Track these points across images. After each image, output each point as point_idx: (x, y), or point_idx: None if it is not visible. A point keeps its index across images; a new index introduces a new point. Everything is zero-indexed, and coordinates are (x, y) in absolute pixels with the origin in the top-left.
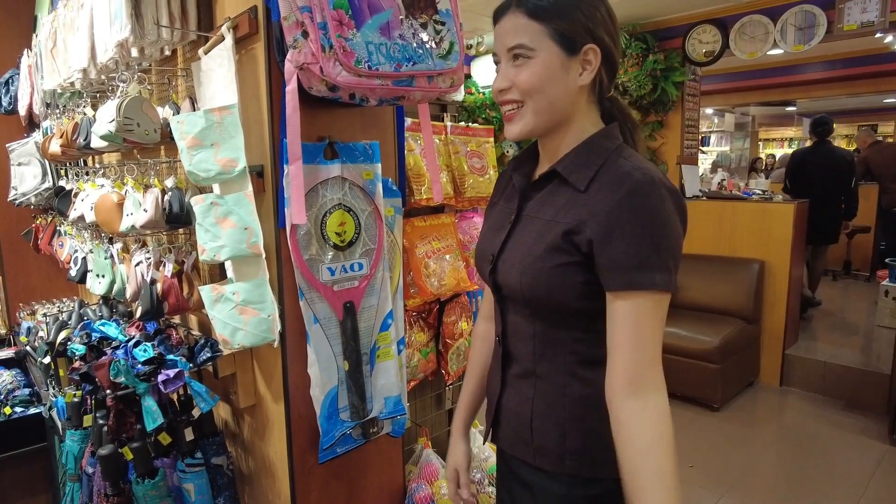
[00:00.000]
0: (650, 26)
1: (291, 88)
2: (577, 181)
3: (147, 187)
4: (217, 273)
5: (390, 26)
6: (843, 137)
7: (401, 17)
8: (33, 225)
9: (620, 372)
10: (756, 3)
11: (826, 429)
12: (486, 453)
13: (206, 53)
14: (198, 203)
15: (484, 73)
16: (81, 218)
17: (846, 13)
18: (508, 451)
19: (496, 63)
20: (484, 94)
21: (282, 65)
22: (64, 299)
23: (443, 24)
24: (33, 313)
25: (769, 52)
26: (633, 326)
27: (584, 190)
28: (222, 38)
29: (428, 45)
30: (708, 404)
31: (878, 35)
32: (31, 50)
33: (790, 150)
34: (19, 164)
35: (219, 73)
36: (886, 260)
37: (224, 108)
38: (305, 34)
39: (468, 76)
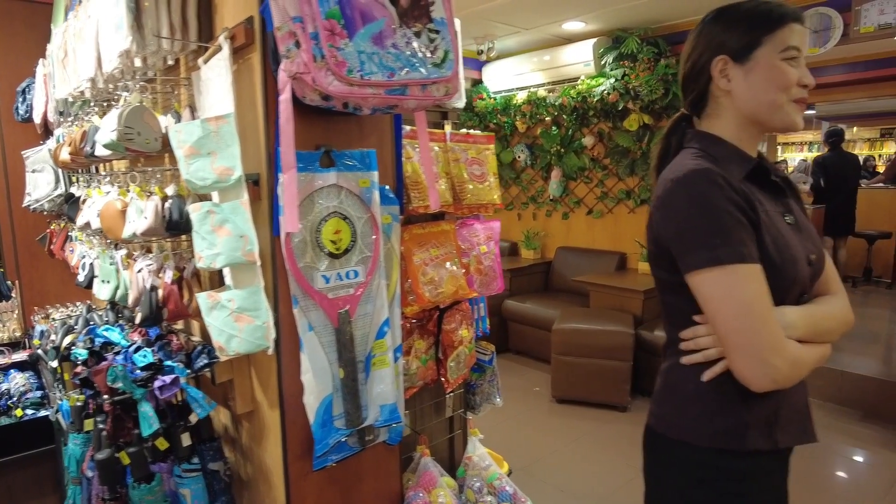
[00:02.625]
0: (662, 31)
1: (285, 98)
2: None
3: (149, 195)
4: (217, 280)
5: (383, 35)
6: (864, 141)
7: (394, 26)
8: (48, 230)
9: None
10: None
11: (843, 440)
12: (487, 461)
13: (205, 63)
14: (195, 211)
15: (495, 78)
16: (88, 224)
17: (863, 15)
18: (814, 440)
19: (794, 56)
20: (495, 99)
21: (276, 74)
22: (77, 304)
23: (437, 32)
24: (47, 317)
25: None
26: None
27: None
28: (220, 48)
29: (421, 54)
30: None
31: None
32: (45, 59)
33: (809, 155)
34: (34, 171)
35: (217, 82)
36: None
37: (220, 117)
38: (298, 44)
39: (479, 81)
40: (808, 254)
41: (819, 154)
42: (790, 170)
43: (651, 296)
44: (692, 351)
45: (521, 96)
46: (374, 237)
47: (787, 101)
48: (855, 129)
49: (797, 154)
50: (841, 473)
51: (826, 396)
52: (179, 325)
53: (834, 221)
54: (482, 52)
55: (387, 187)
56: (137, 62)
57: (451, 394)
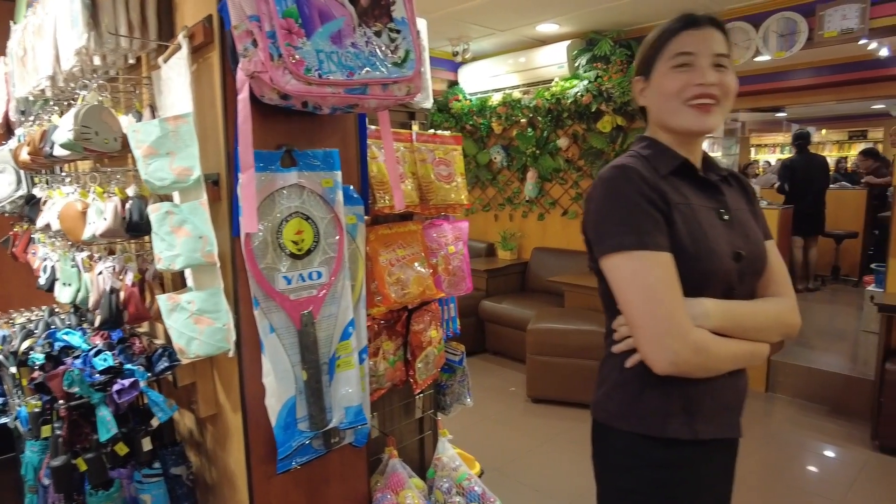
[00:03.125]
0: (634, 33)
1: (243, 97)
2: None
3: (110, 196)
4: (180, 282)
5: (342, 34)
6: (833, 143)
7: (353, 25)
8: (11, 233)
9: None
10: (738, 10)
11: (810, 435)
12: (457, 462)
13: (165, 62)
14: (154, 212)
15: (471, 79)
16: (48, 226)
17: (826, 20)
18: (738, 435)
19: (684, 62)
20: (471, 100)
21: (235, 73)
22: (42, 308)
23: (398, 32)
24: (10, 322)
25: (756, 59)
26: None
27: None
28: (180, 47)
29: (382, 54)
30: None
31: (861, 42)
32: (5, 57)
33: (782, 156)
34: None
35: (177, 81)
36: (872, 265)
37: (179, 116)
38: (255, 43)
39: (455, 83)
40: (736, 249)
41: (787, 157)
42: (760, 171)
43: None
44: (623, 339)
45: (496, 98)
46: (337, 237)
47: (680, 106)
48: (824, 131)
49: (770, 155)
50: (809, 467)
51: (794, 392)
52: (144, 327)
53: (803, 222)
54: (457, 53)
55: (351, 187)
56: (96, 60)
57: (421, 395)
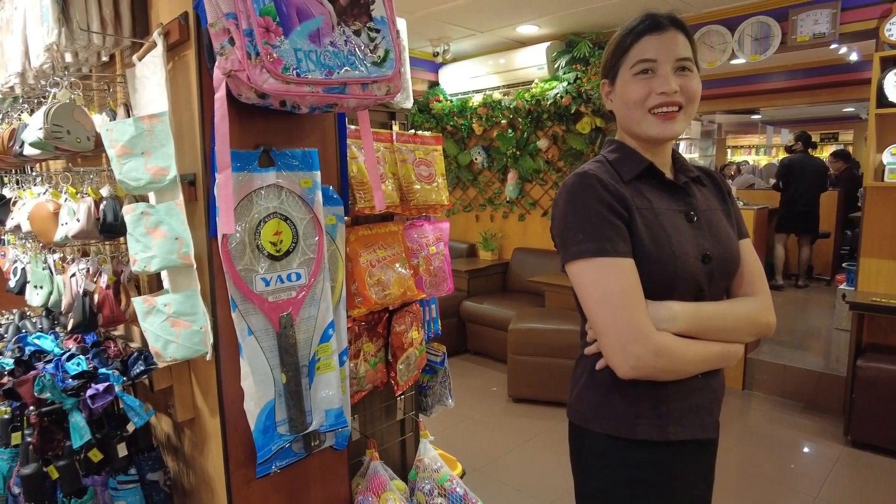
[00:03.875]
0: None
1: (220, 96)
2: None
3: (82, 196)
4: (157, 284)
5: (321, 33)
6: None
7: (332, 24)
8: None
9: None
10: (714, 13)
11: (785, 431)
12: (438, 463)
13: (139, 60)
14: (128, 213)
15: (452, 80)
16: (18, 227)
17: (799, 24)
18: (712, 435)
19: (646, 69)
20: (452, 101)
21: (213, 72)
22: (14, 311)
23: (377, 31)
24: None
25: (732, 62)
26: None
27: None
28: (154, 45)
29: (361, 53)
30: None
31: (832, 46)
32: None
33: (758, 158)
34: None
35: (153, 79)
36: (843, 264)
37: (154, 115)
38: (232, 41)
39: (436, 83)
40: (704, 251)
41: (786, 155)
42: (733, 173)
43: None
44: (594, 342)
45: (476, 99)
46: (316, 238)
47: (643, 115)
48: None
49: (747, 157)
50: (785, 463)
51: (770, 390)
52: (119, 330)
53: (797, 221)
54: (438, 53)
55: (330, 188)
56: (68, 57)
57: (402, 396)
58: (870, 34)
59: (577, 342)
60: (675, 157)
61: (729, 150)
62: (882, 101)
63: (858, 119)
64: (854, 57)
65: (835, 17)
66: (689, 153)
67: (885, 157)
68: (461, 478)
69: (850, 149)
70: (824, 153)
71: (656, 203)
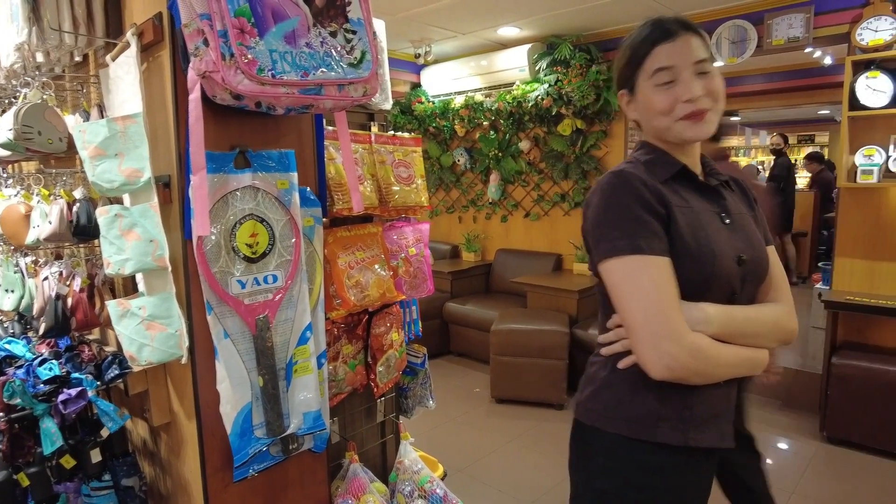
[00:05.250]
0: (593, 38)
1: (194, 97)
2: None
3: (55, 198)
4: (132, 288)
5: (296, 34)
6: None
7: (308, 25)
8: None
9: None
10: (692, 17)
11: (763, 428)
12: (419, 465)
13: (113, 60)
14: (102, 215)
15: (434, 82)
16: None
17: (774, 28)
18: (729, 445)
19: (666, 80)
20: (434, 102)
21: (187, 73)
22: None
23: (353, 32)
24: None
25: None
26: None
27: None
28: (128, 45)
29: (337, 54)
30: None
31: (807, 50)
32: None
33: (736, 159)
34: None
35: (127, 80)
36: (819, 264)
37: (128, 117)
38: (206, 42)
39: (418, 85)
40: (738, 253)
41: (772, 157)
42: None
43: (585, 295)
44: (618, 340)
45: (458, 100)
46: (293, 240)
47: (672, 122)
48: (774, 135)
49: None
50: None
51: (748, 388)
52: (94, 334)
53: (789, 220)
54: (419, 55)
55: (308, 189)
56: (39, 57)
57: (382, 398)
58: (842, 38)
59: (560, 343)
60: (704, 161)
61: None
62: (854, 104)
63: (833, 121)
64: (828, 60)
65: (808, 21)
66: None
67: (858, 159)
68: (442, 479)
69: (826, 150)
70: (800, 154)
71: (693, 203)
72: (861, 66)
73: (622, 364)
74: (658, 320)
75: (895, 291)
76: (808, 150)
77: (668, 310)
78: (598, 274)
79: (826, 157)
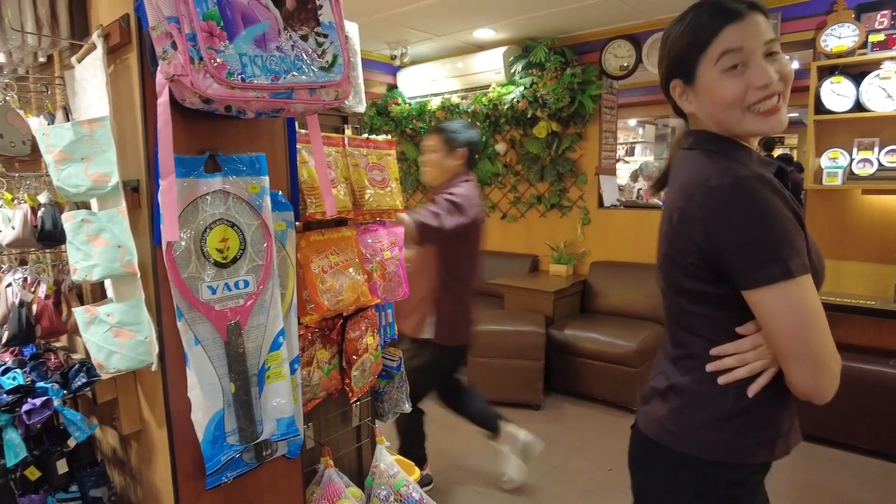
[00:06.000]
0: (568, 41)
1: (163, 101)
2: None
3: (18, 202)
4: (100, 293)
5: (266, 38)
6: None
7: (278, 28)
8: None
9: None
10: (665, 20)
11: None
12: (395, 469)
13: (79, 62)
14: (68, 220)
15: (410, 83)
16: None
17: None
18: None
19: (735, 63)
20: (410, 104)
21: (156, 76)
22: None
23: (325, 36)
24: None
25: None
26: None
27: None
28: (94, 47)
29: (308, 58)
30: (627, 407)
31: None
32: None
33: None
34: None
35: (93, 83)
36: None
37: (94, 120)
38: (175, 45)
39: (394, 86)
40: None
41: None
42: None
43: (561, 296)
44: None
45: (435, 102)
46: (265, 245)
47: (743, 113)
48: None
49: None
50: None
51: None
52: (62, 341)
53: None
54: (395, 57)
55: (280, 193)
56: (1, 58)
57: (358, 403)
58: (808, 44)
59: (536, 343)
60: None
61: None
62: (819, 108)
63: (802, 124)
64: (795, 65)
65: (775, 27)
66: (646, 156)
67: (823, 162)
68: (419, 482)
69: (795, 153)
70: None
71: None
72: (826, 72)
73: (753, 390)
74: (827, 345)
75: (860, 290)
76: (779, 152)
77: (829, 331)
78: (724, 296)
79: (795, 159)
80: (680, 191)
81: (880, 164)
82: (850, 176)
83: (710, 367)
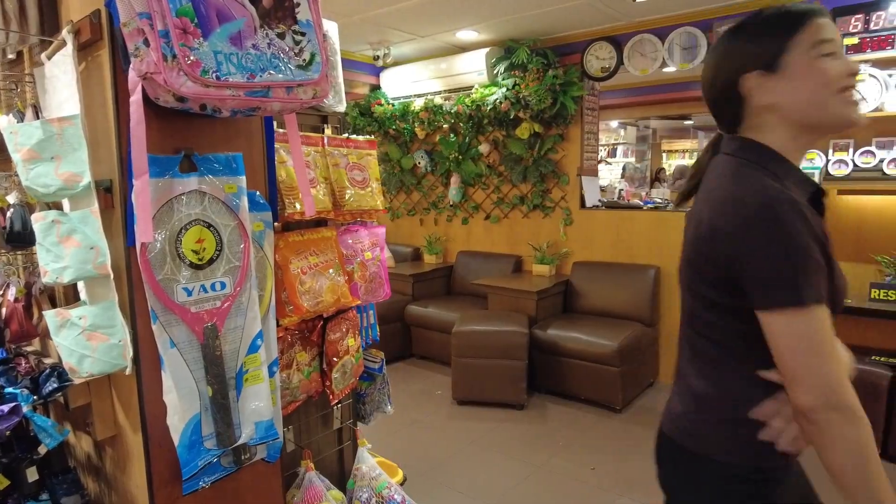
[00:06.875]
0: (550, 42)
1: (135, 99)
2: None
3: None
4: (73, 296)
5: (242, 36)
6: None
7: (255, 26)
8: None
9: None
10: (646, 23)
11: None
12: (376, 471)
13: (48, 59)
14: (38, 221)
15: (393, 84)
16: None
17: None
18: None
19: (831, 51)
20: (393, 105)
21: (128, 73)
22: None
23: (303, 34)
24: None
25: (664, 70)
26: None
27: None
28: (65, 43)
29: (285, 56)
30: (610, 406)
31: None
32: None
33: (691, 161)
34: None
35: (63, 80)
36: None
37: (65, 118)
38: (147, 42)
39: (377, 87)
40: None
41: None
42: (668, 176)
43: (544, 296)
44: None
45: (418, 103)
46: (242, 246)
47: (830, 96)
48: None
49: (681, 160)
50: None
51: None
52: (35, 345)
53: None
54: (378, 57)
55: (257, 193)
56: None
57: (339, 405)
58: None
59: (519, 343)
60: None
61: (664, 154)
62: None
63: None
64: None
65: None
66: (628, 157)
67: (801, 163)
68: (402, 484)
69: None
70: None
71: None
72: None
73: (755, 414)
74: (837, 374)
75: None
76: None
77: (835, 361)
78: (737, 307)
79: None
80: (712, 201)
81: (855, 165)
82: (827, 176)
83: (756, 414)
